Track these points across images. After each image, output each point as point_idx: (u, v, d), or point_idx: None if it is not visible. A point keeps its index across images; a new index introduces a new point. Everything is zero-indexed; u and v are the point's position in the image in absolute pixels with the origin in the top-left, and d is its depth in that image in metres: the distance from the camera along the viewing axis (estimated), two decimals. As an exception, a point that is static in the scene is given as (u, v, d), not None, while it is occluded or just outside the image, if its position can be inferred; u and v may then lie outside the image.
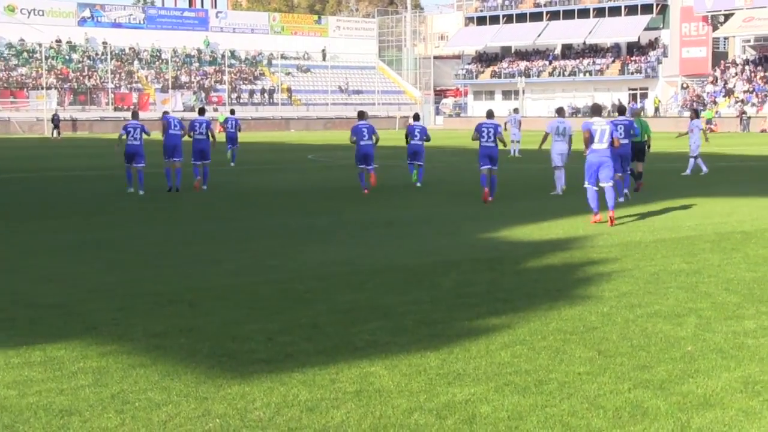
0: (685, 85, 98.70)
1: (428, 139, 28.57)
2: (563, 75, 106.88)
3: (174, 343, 9.60)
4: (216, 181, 29.62)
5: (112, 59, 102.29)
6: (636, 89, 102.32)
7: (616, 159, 23.42)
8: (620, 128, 23.82)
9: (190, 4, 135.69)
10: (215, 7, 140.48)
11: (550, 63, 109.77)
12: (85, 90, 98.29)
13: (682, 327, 10.18)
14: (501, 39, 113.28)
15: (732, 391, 7.92)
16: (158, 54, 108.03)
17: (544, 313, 10.82)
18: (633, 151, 24.92)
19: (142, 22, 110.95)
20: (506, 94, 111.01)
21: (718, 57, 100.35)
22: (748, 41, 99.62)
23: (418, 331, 10.01)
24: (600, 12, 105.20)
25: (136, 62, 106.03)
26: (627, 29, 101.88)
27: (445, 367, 8.64)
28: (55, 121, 75.53)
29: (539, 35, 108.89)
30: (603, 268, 13.97)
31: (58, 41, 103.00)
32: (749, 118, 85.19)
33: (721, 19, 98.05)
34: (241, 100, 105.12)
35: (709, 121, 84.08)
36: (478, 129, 23.72)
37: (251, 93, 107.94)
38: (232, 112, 45.03)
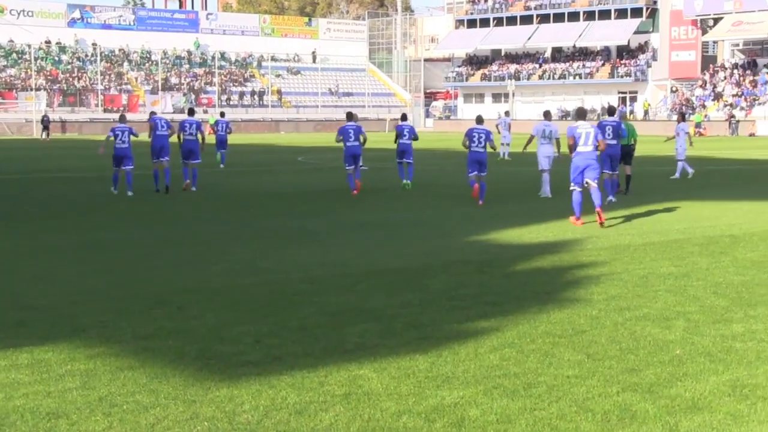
0: (674, 89, 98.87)
1: (416, 138, 28.83)
2: (553, 78, 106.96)
3: (162, 345, 9.58)
4: (205, 183, 29.59)
5: (101, 60, 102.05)
6: (626, 92, 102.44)
7: (605, 160, 23.58)
8: (609, 129, 23.92)
9: (181, 6, 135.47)
10: (205, 8, 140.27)
11: (540, 66, 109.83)
12: (74, 91, 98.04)
13: (670, 330, 10.19)
14: (491, 42, 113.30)
15: (720, 395, 7.94)
16: (148, 55, 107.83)
17: (533, 316, 10.83)
18: (621, 154, 25.02)
19: (132, 23, 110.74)
20: (496, 97, 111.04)
21: (708, 61, 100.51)
22: (737, 45, 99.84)
23: (407, 334, 10.01)
24: (590, 15, 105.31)
25: (125, 64, 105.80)
26: (617, 33, 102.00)
27: (434, 370, 8.64)
28: (45, 123, 75.33)
29: (529, 38, 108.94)
30: (592, 271, 13.98)
31: (48, 42, 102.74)
32: (738, 121, 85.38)
33: (711, 23, 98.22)
34: (231, 102, 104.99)
35: (698, 125, 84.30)
36: (469, 134, 23.73)
37: (241, 95, 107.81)
38: (222, 114, 44.96)
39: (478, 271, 13.97)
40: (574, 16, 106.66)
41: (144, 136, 28.31)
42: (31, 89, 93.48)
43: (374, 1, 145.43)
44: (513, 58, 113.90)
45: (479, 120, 24.93)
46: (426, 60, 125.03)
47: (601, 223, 19.19)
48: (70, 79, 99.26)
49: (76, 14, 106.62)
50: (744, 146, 60.89)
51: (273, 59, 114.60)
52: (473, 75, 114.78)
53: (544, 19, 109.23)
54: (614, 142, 24.00)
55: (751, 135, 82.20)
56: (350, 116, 28.07)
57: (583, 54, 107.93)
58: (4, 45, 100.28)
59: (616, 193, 24.74)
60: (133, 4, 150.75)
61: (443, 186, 30.01)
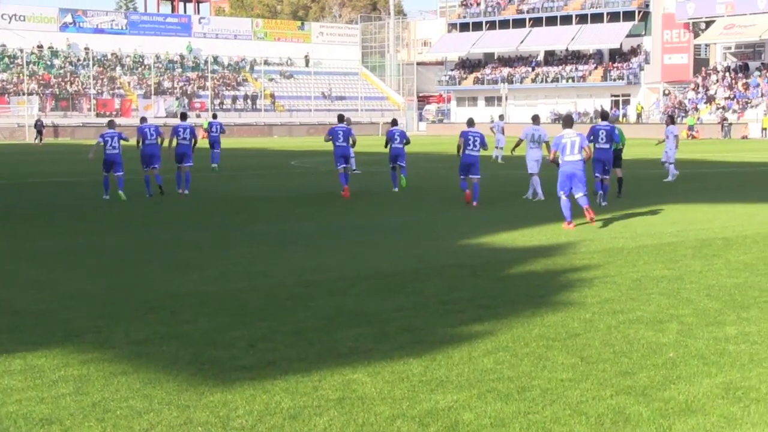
0: (666, 92, 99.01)
1: (408, 142, 28.91)
2: (546, 81, 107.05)
3: (156, 350, 9.57)
4: (198, 187, 29.59)
5: (94, 65, 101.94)
6: (618, 96, 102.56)
7: (597, 164, 23.72)
8: (602, 133, 23.96)
9: (173, 10, 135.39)
10: (198, 12, 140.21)
11: (533, 69, 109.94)
12: (66, 96, 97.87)
13: (664, 333, 10.20)
14: (484, 45, 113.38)
15: (713, 397, 7.95)
16: (141, 60, 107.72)
17: (526, 320, 10.83)
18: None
19: (124, 27, 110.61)
20: (489, 101, 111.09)
21: (700, 64, 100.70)
22: (729, 48, 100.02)
23: (401, 338, 10.01)
24: (582, 19, 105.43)
25: (118, 68, 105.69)
26: (609, 36, 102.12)
27: (428, 374, 8.64)
28: (38, 127, 75.27)
29: (522, 42, 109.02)
30: (585, 274, 13.99)
31: (40, 47, 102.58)
32: (730, 124, 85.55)
33: (703, 26, 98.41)
34: (224, 106, 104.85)
35: (690, 128, 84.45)
36: (464, 137, 23.88)
37: (234, 99, 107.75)
38: (215, 116, 45.22)
39: (471, 275, 13.98)
40: (566, 20, 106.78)
41: (134, 141, 28.26)
42: (24, 94, 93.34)
43: (367, 4, 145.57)
44: (506, 61, 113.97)
45: (471, 123, 25.07)
46: (419, 63, 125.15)
47: (592, 219, 19.36)
48: (63, 84, 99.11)
49: (68, 18, 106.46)
50: (736, 149, 60.99)
51: (266, 63, 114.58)
52: (466, 78, 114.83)
53: (536, 22, 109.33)
54: (607, 146, 24.05)
55: (744, 138, 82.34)
56: (341, 118, 28.66)
57: (576, 57, 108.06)
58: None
59: (619, 194, 24.97)
60: (125, 8, 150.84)
61: (436, 189, 30.02)
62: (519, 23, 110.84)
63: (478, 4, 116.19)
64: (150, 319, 10.99)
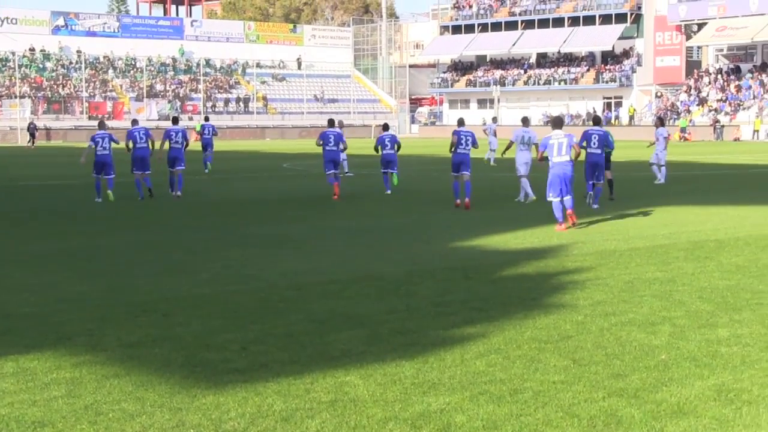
0: (659, 94, 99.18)
1: (399, 147, 29.03)
2: (538, 84, 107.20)
3: (148, 353, 9.56)
4: (190, 190, 29.58)
5: (86, 68, 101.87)
6: (610, 98, 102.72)
7: (589, 169, 23.80)
8: (595, 138, 23.97)
9: (165, 13, 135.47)
10: (190, 15, 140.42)
11: (525, 72, 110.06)
12: (59, 99, 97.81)
13: (656, 335, 10.21)
14: (476, 48, 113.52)
15: (705, 399, 7.95)
16: (133, 63, 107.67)
17: (519, 322, 10.84)
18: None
19: (116, 30, 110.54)
20: (481, 103, 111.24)
21: (692, 66, 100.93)
22: (722, 50, 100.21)
23: (393, 341, 10.01)
24: (574, 21, 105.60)
25: (110, 71, 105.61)
26: (601, 38, 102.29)
27: (420, 377, 8.64)
28: (31, 130, 75.20)
29: (514, 44, 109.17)
30: (577, 276, 14.01)
31: (32, 50, 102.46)
32: (723, 126, 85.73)
33: (695, 28, 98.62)
34: (217, 109, 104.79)
35: (683, 130, 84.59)
36: (457, 135, 24.15)
37: (226, 102, 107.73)
38: (207, 119, 45.34)
39: (464, 277, 13.99)
40: (558, 22, 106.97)
41: (124, 144, 28.30)
42: (16, 97, 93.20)
43: (359, 7, 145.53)
44: (498, 63, 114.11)
45: (461, 122, 25.45)
46: (411, 66, 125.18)
47: (573, 224, 19.68)
48: (55, 87, 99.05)
49: (60, 21, 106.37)
50: (728, 151, 61.10)
51: (258, 66, 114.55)
52: (458, 81, 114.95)
53: (528, 24, 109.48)
54: (599, 151, 24.05)
55: (736, 140, 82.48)
56: (331, 123, 28.91)
57: (568, 60, 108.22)
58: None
59: (611, 195, 25.05)
60: (117, 11, 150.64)
61: (428, 192, 30.04)
62: (511, 25, 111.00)
63: (471, 7, 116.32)
64: (142, 321, 10.98)
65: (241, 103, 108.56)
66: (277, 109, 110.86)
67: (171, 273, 14.60)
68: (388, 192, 28.78)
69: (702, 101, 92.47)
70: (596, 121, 25.93)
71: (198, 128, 44.55)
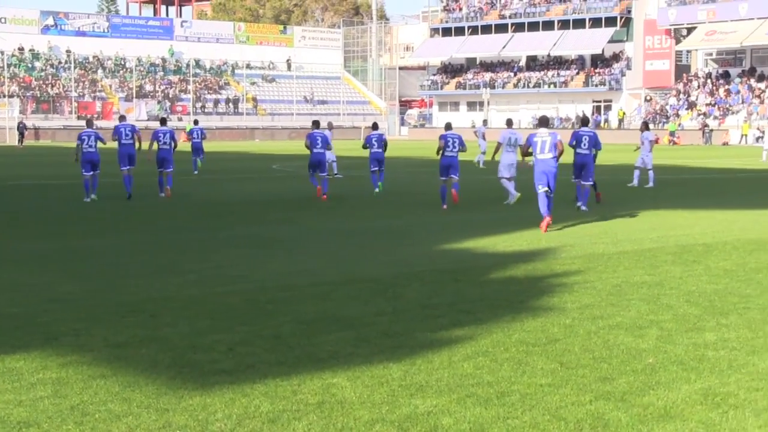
0: (648, 98, 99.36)
1: (386, 147, 29.58)
2: (528, 86, 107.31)
3: (135, 353, 9.54)
4: (180, 191, 29.56)
5: (75, 67, 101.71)
6: (600, 101, 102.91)
7: (577, 169, 23.91)
8: (585, 139, 24.07)
9: (155, 13, 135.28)
10: (180, 16, 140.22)
11: (515, 74, 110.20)
12: (48, 98, 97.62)
13: (643, 339, 10.22)
14: (466, 50, 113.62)
15: (692, 403, 7.96)
16: (122, 63, 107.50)
17: (506, 325, 10.84)
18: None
19: (106, 30, 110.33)
20: (471, 105, 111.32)
21: (681, 70, 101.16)
22: (711, 55, 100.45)
23: (381, 343, 10.00)
24: (564, 24, 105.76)
25: (99, 71, 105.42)
26: (591, 41, 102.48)
27: (408, 379, 8.63)
28: (21, 129, 75.04)
29: (504, 47, 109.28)
30: (566, 279, 14.02)
31: (21, 49, 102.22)
32: (711, 131, 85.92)
33: (684, 32, 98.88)
34: (206, 110, 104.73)
35: (672, 134, 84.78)
36: (444, 139, 24.31)
37: (216, 102, 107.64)
38: (196, 122, 45.39)
39: (452, 280, 13.99)
40: (548, 25, 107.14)
41: (111, 144, 28.33)
42: (4, 96, 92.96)
43: (349, 9, 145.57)
44: (488, 66, 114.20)
45: (449, 126, 25.53)
46: (401, 68, 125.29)
47: (547, 225, 19.94)
48: (44, 86, 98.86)
49: (50, 21, 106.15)
50: (717, 155, 61.23)
51: (248, 67, 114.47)
52: (448, 83, 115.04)
53: (518, 27, 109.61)
54: (587, 152, 24.17)
55: (725, 144, 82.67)
56: (317, 124, 29.04)
57: (558, 63, 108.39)
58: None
59: (597, 196, 25.17)
60: (107, 11, 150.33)
61: (417, 194, 30.04)
62: (501, 28, 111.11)
63: (461, 9, 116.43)
64: (129, 322, 10.95)
65: (230, 104, 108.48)
66: (266, 110, 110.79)
67: (159, 274, 14.57)
68: (377, 191, 29.07)
69: (691, 105, 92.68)
70: (585, 121, 26.13)
71: (188, 128, 44.56)
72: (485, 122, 53.39)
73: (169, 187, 28.17)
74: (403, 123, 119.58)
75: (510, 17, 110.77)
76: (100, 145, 26.89)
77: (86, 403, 7.88)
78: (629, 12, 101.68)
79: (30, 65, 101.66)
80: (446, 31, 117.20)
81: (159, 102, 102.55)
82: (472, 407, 7.81)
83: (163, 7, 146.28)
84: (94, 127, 27.79)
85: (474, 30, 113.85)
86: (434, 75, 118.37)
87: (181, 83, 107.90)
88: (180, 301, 12.22)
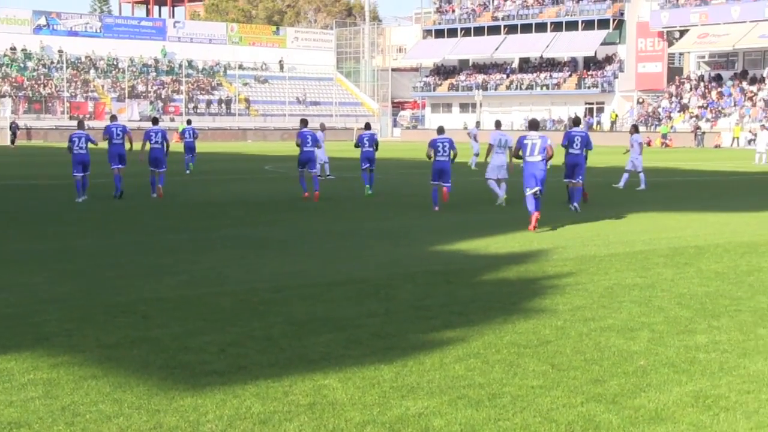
0: (640, 100, 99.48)
1: (377, 147, 29.72)
2: (520, 88, 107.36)
3: (126, 354, 9.53)
4: (172, 191, 29.53)
5: (68, 68, 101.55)
6: (592, 103, 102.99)
7: (569, 169, 24.01)
8: (577, 139, 24.18)
9: (148, 14, 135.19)
10: (173, 16, 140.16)
11: (508, 76, 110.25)
12: (40, 98, 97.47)
13: (634, 341, 10.23)
14: (459, 52, 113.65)
15: (683, 405, 7.97)
16: (115, 63, 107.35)
17: (498, 327, 10.84)
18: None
19: (98, 30, 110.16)
20: (464, 107, 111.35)
21: (674, 72, 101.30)
22: (703, 57, 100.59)
23: (373, 344, 10.00)
24: (557, 26, 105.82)
25: (92, 71, 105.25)
26: (584, 44, 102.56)
27: (399, 380, 8.63)
28: (13, 129, 74.93)
29: (497, 49, 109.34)
30: (557, 281, 14.02)
31: (13, 49, 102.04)
32: (704, 133, 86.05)
33: (677, 35, 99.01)
34: (198, 110, 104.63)
35: (664, 136, 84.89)
36: (433, 144, 24.43)
37: (208, 103, 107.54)
38: (189, 122, 45.44)
39: (444, 281, 13.99)
40: (541, 27, 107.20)
41: (102, 144, 28.40)
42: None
43: (342, 10, 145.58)
44: (480, 68, 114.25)
45: (441, 130, 25.55)
46: (394, 69, 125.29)
47: (533, 227, 20.11)
48: (36, 86, 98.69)
49: (42, 21, 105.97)
50: (709, 158, 61.31)
51: (240, 68, 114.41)
52: (441, 85, 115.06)
53: (511, 29, 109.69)
54: (579, 151, 24.29)
55: (717, 147, 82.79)
56: (305, 122, 29.35)
57: (551, 65, 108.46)
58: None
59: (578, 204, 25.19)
60: (99, 11, 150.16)
61: (409, 195, 30.05)
62: (494, 30, 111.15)
63: (454, 11, 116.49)
64: (121, 323, 10.94)
65: (223, 105, 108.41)
66: (259, 111, 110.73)
67: (151, 274, 14.55)
68: (368, 189, 29.20)
69: (683, 108, 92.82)
70: (576, 122, 26.24)
71: (181, 129, 44.62)
72: (478, 124, 53.50)
73: (161, 186, 28.20)
74: (395, 124, 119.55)
75: (503, 19, 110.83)
76: (91, 146, 26.98)
77: (77, 404, 7.87)
78: (622, 14, 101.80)
79: (22, 65, 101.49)
80: (439, 33, 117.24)
81: (151, 102, 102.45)
82: (463, 409, 7.81)
83: (156, 8, 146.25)
84: (86, 129, 27.89)
85: (467, 32, 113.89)
86: (427, 76, 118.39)
87: (173, 84, 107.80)
88: (172, 302, 12.21)
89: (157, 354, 9.50)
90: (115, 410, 7.72)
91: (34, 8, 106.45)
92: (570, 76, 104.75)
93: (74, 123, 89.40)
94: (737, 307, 12.13)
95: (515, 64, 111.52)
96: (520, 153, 20.61)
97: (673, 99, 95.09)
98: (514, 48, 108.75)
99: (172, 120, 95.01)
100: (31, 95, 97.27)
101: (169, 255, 16.79)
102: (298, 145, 28.00)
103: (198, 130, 45.72)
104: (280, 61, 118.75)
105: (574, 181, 24.16)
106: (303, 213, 24.63)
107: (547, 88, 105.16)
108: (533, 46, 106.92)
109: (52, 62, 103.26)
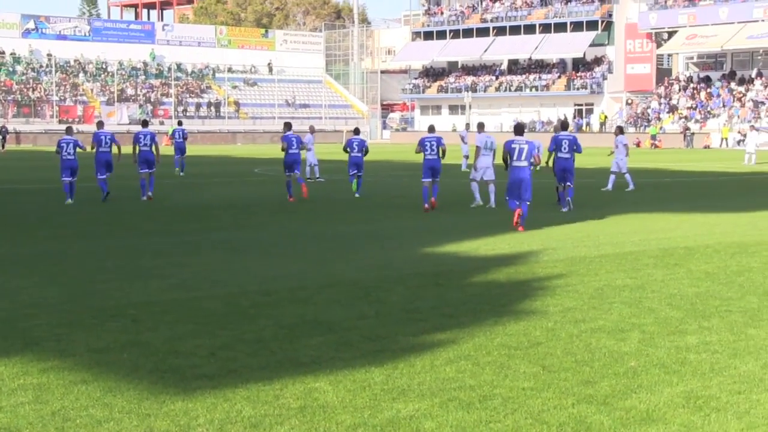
0: (629, 101, 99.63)
1: (366, 152, 29.68)
2: (509, 90, 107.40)
3: (116, 358, 9.50)
4: (161, 194, 29.50)
5: (56, 71, 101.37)
6: (581, 105, 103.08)
7: (559, 173, 24.09)
8: (565, 143, 24.28)
9: (137, 17, 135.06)
10: (162, 19, 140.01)
11: (497, 78, 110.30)
12: (29, 102, 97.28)
13: (625, 342, 10.24)
14: (448, 54, 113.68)
15: (674, 406, 7.98)
16: (104, 66, 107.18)
17: (489, 328, 10.84)
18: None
19: (87, 34, 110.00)
20: (453, 109, 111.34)
21: (662, 74, 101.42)
22: (692, 58, 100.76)
23: (363, 347, 9.99)
24: (546, 28, 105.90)
25: (81, 75, 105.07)
26: (572, 45, 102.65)
27: (390, 383, 8.62)
28: (2, 133, 74.81)
29: (486, 50, 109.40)
30: (548, 283, 14.03)
31: (2, 53, 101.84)
32: (693, 134, 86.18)
33: (665, 36, 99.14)
34: (188, 113, 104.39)
35: (653, 137, 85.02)
36: (422, 143, 24.70)
37: (198, 106, 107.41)
38: (180, 123, 45.48)
39: (434, 284, 13.98)
40: (530, 29, 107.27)
41: (89, 150, 28.43)
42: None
43: (331, 13, 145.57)
44: (469, 70, 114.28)
45: (431, 129, 25.86)
46: (383, 72, 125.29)
47: (518, 225, 20.33)
48: (25, 90, 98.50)
49: (31, 25, 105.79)
50: (698, 158, 61.43)
51: (229, 70, 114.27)
52: (430, 87, 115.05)
53: (500, 31, 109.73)
54: (568, 155, 24.41)
55: (706, 147, 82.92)
56: (289, 126, 29.74)
57: (539, 66, 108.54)
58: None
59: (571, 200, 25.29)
60: (88, 14, 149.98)
61: (399, 197, 30.07)
62: (483, 32, 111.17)
63: (442, 13, 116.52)
64: (110, 327, 10.91)
65: (212, 108, 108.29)
66: (248, 113, 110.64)
67: (140, 278, 14.52)
68: (356, 193, 29.29)
69: (672, 109, 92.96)
70: (564, 126, 26.18)
71: (170, 131, 44.62)
72: (467, 126, 53.55)
73: (150, 191, 28.20)
74: (385, 126, 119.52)
75: (491, 21, 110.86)
76: (79, 150, 27.10)
77: (67, 409, 7.85)
78: (610, 16, 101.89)
79: (11, 69, 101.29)
80: (428, 35, 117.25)
81: (141, 106, 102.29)
82: (454, 411, 7.81)
83: (145, 11, 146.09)
84: (74, 134, 28.02)
85: (456, 34, 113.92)
86: (416, 78, 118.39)
87: (162, 87, 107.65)
88: (161, 306, 12.18)
89: (147, 358, 9.48)
90: (105, 415, 7.70)
91: (23, 12, 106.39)
92: (559, 77, 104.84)
93: (63, 127, 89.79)
94: (727, 307, 12.15)
95: (504, 66, 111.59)
96: (507, 158, 20.75)
97: (662, 100, 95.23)
98: (503, 50, 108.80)
99: (162, 123, 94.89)
100: (20, 99, 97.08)
101: (158, 258, 16.76)
102: (283, 149, 28.37)
103: (187, 133, 45.76)
104: (269, 64, 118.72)
105: (563, 184, 24.28)
106: (293, 216, 24.62)
107: (536, 90, 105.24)
108: (522, 47, 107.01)
109: (41, 66, 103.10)
